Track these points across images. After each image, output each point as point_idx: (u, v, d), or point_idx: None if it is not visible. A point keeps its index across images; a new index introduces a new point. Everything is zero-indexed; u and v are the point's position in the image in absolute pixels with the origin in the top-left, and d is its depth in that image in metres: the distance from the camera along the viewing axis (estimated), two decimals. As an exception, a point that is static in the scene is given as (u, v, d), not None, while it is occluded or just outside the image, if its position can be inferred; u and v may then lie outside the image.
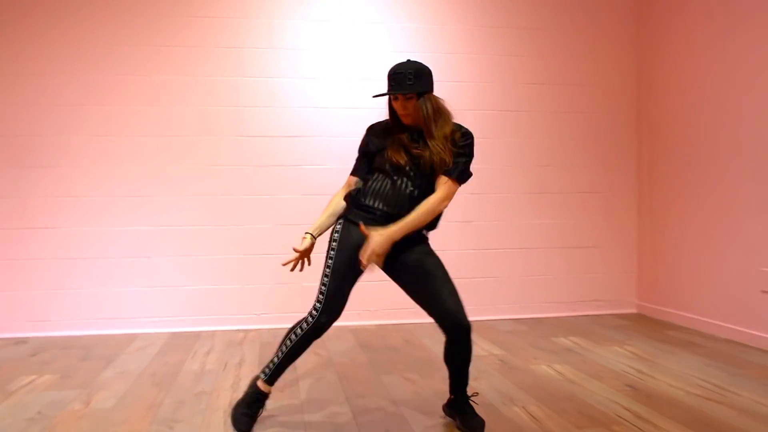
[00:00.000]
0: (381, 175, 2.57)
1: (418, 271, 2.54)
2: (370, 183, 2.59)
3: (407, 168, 2.52)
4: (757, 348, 3.84)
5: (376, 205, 2.53)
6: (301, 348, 2.58)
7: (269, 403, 2.76)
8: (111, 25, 4.48)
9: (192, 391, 3.15)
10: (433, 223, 2.60)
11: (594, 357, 3.69)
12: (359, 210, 2.56)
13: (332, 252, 2.55)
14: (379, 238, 2.39)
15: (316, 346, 3.83)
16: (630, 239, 5.09)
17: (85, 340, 4.26)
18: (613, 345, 3.97)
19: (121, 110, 4.50)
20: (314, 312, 2.52)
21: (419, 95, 2.53)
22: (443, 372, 3.40)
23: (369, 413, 2.79)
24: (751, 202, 3.95)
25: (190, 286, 4.58)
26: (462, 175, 2.54)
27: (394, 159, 2.52)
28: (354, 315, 4.63)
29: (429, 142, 2.51)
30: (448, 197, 2.50)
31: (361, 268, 2.46)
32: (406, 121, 2.56)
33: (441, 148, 2.49)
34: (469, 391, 2.69)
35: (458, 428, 2.61)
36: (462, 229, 4.81)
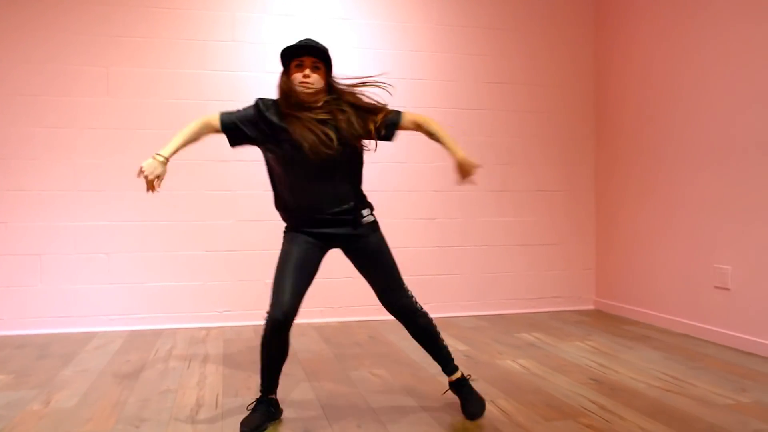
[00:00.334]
0: (294, 167, 2.55)
1: (374, 257, 2.64)
2: (287, 181, 2.58)
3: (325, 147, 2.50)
4: (711, 342, 3.98)
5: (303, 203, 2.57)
6: (269, 348, 2.53)
7: (233, 402, 2.72)
8: (70, 14, 4.35)
9: (157, 389, 3.08)
10: (367, 202, 2.69)
11: (557, 352, 3.76)
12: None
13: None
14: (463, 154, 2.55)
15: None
16: (589, 237, 5.21)
17: (40, 339, 4.13)
18: (574, 340, 4.05)
19: (79, 102, 4.38)
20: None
21: (327, 68, 2.57)
22: (411, 367, 3.43)
23: (339, 409, 2.79)
24: (705, 200, 4.08)
25: (149, 282, 4.48)
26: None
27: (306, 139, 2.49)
28: (317, 312, 4.61)
29: (342, 109, 2.55)
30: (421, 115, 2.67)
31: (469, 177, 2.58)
32: (305, 95, 2.52)
33: (353, 114, 2.56)
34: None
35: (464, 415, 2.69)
36: (425, 226, 4.84)
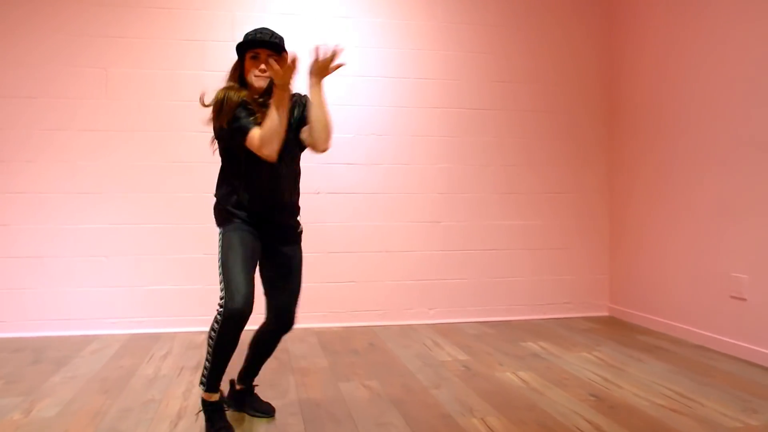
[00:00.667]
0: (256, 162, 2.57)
1: (285, 264, 2.64)
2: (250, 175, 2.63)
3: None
4: (725, 354, 3.79)
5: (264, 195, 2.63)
6: (227, 343, 2.43)
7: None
8: (68, 15, 4.32)
9: (141, 398, 3.02)
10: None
11: (561, 363, 3.60)
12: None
13: None
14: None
15: (278, 350, 3.71)
16: (602, 241, 5.02)
17: (38, 342, 4.11)
18: (581, 350, 3.89)
19: (78, 103, 4.34)
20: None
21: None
22: (403, 378, 3.32)
23: (320, 423, 2.68)
24: (723, 207, 3.88)
25: (149, 286, 4.44)
26: None
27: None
28: (319, 317, 4.51)
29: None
30: None
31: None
32: (258, 84, 2.54)
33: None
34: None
35: (251, 414, 2.76)
36: (429, 229, 4.71)
